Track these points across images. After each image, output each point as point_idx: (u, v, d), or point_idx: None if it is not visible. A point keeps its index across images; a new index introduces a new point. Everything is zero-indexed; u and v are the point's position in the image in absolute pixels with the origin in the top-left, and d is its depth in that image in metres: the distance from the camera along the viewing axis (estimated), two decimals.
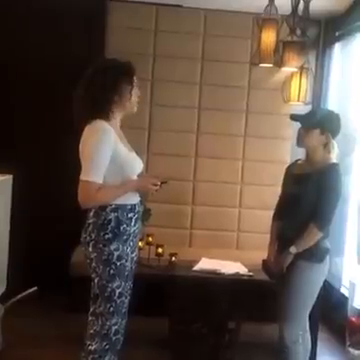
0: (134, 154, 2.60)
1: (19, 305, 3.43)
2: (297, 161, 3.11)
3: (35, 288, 3.48)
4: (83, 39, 4.33)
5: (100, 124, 2.46)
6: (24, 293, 3.44)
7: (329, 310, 3.85)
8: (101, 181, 2.43)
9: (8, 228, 3.02)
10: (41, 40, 4.34)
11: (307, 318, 2.97)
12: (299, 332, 2.92)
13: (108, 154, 2.43)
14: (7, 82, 4.36)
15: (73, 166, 2.58)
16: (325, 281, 3.00)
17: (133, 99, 2.57)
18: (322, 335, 3.77)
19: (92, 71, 2.53)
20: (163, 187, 2.61)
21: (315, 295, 2.93)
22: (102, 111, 2.47)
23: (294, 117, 3.05)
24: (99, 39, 4.36)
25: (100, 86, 2.47)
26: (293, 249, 2.85)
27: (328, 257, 2.93)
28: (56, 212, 4.25)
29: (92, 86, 2.48)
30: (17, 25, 4.33)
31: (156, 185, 2.56)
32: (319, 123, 2.91)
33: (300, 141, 2.97)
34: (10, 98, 4.37)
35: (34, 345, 3.47)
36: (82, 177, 2.43)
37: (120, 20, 4.39)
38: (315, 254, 2.87)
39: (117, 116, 2.56)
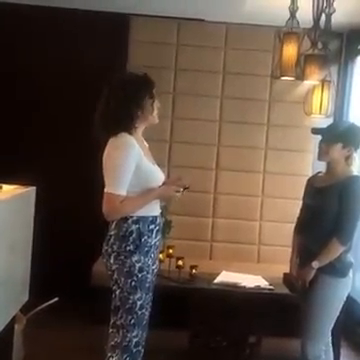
0: (156, 166, 2.61)
1: (40, 316, 3.45)
2: (318, 173, 3.09)
3: (56, 299, 3.50)
4: (106, 54, 4.39)
5: (124, 137, 2.48)
6: (45, 304, 3.47)
7: (352, 325, 3.79)
8: (125, 193, 2.45)
9: (31, 239, 3.06)
10: (64, 55, 4.41)
11: (330, 333, 2.93)
12: (322, 347, 2.89)
13: (132, 167, 2.45)
14: (30, 95, 4.44)
15: (95, 178, 2.61)
16: (348, 296, 2.96)
17: (155, 111, 2.59)
18: (345, 351, 3.71)
19: (110, 86, 2.55)
20: (185, 192, 2.58)
21: (338, 310, 2.89)
22: (125, 125, 2.49)
23: (316, 131, 3.04)
24: (121, 53, 4.42)
25: (121, 101, 2.48)
26: (315, 264, 2.82)
27: (351, 271, 2.89)
28: (78, 223, 4.29)
29: (113, 102, 2.50)
30: (41, 40, 4.41)
31: (178, 191, 2.55)
32: (341, 137, 2.89)
33: (321, 155, 2.95)
34: (33, 111, 4.45)
35: (55, 356, 3.49)
36: (107, 190, 2.45)
37: (142, 34, 4.45)
38: (338, 268, 2.83)
39: (139, 129, 2.58)
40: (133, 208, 2.49)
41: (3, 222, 2.55)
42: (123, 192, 2.44)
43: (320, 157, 2.98)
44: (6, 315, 2.78)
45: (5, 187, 2.78)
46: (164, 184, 2.58)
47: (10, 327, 2.94)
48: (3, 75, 4.40)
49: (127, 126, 2.50)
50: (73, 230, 4.32)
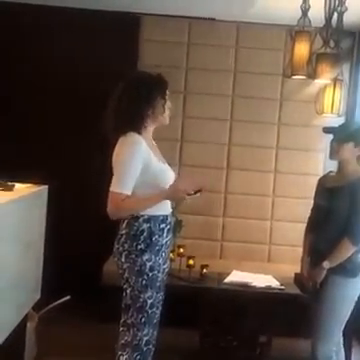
0: (166, 165, 2.61)
1: (52, 314, 3.47)
2: (329, 173, 3.07)
3: (68, 297, 3.52)
4: (117, 53, 4.40)
5: (132, 137, 2.49)
6: (57, 302, 3.49)
7: None
8: (129, 192, 2.46)
9: (44, 237, 3.09)
10: (76, 54, 4.42)
11: (341, 334, 2.93)
12: (332, 348, 2.88)
13: (139, 166, 2.46)
14: (41, 95, 4.46)
15: (106, 177, 2.62)
16: (359, 296, 2.94)
17: (166, 112, 2.59)
18: (356, 351, 3.69)
19: (124, 85, 2.56)
20: (198, 196, 2.47)
21: (349, 311, 2.88)
22: (135, 124, 2.50)
23: (327, 130, 3.03)
24: (132, 53, 4.43)
25: (134, 100, 2.49)
26: (326, 264, 2.81)
27: None
28: (89, 222, 4.30)
29: (125, 100, 2.50)
30: (52, 39, 4.43)
31: (189, 194, 2.49)
32: (352, 136, 2.88)
33: (333, 154, 2.94)
34: (44, 111, 4.47)
35: (67, 354, 3.51)
36: (111, 188, 2.46)
37: (153, 34, 4.45)
38: (349, 269, 2.82)
39: (150, 129, 2.58)
40: (137, 208, 2.49)
41: (17, 221, 2.58)
42: (127, 191, 2.45)
43: (331, 156, 2.97)
44: (19, 313, 2.81)
45: (18, 186, 2.81)
46: (174, 184, 2.53)
47: (23, 325, 2.97)
48: (15, 75, 4.43)
49: (137, 125, 2.50)
50: (84, 229, 4.34)
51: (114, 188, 2.45)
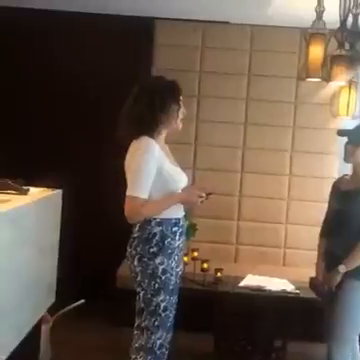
0: (179, 169, 2.62)
1: (67, 317, 3.49)
2: (344, 176, 3.04)
3: (83, 301, 3.53)
4: (130, 56, 4.42)
5: (146, 141, 2.50)
6: (72, 305, 3.50)
7: None
8: (147, 196, 2.47)
9: (58, 241, 3.10)
10: (90, 58, 4.45)
11: (357, 339, 2.90)
12: (348, 353, 2.84)
13: (153, 170, 2.47)
14: (55, 99, 4.50)
15: (120, 181, 2.62)
16: None
17: (180, 118, 2.59)
18: None
19: (139, 89, 2.57)
20: (209, 199, 2.58)
21: None
22: (148, 129, 2.51)
23: (342, 132, 3.00)
24: (146, 56, 4.44)
25: (147, 107, 2.50)
26: (342, 268, 2.78)
27: None
28: (104, 226, 4.32)
29: (139, 106, 2.51)
30: (68, 44, 4.47)
31: (201, 197, 2.55)
32: None
33: (348, 157, 2.92)
34: (58, 114, 4.51)
35: (81, 357, 3.52)
36: (128, 192, 2.47)
37: (167, 37, 4.46)
38: None
39: (163, 134, 2.59)
40: (154, 211, 2.50)
41: (31, 225, 2.59)
42: (144, 195, 2.46)
43: (346, 159, 2.94)
44: (33, 316, 2.82)
45: (32, 190, 2.83)
46: (187, 189, 2.58)
47: (37, 328, 2.98)
48: (30, 79, 4.47)
49: (150, 130, 2.51)
50: (99, 232, 4.36)
51: (131, 192, 2.46)
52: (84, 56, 4.45)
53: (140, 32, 4.46)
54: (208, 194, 2.57)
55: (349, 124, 3.56)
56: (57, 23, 4.43)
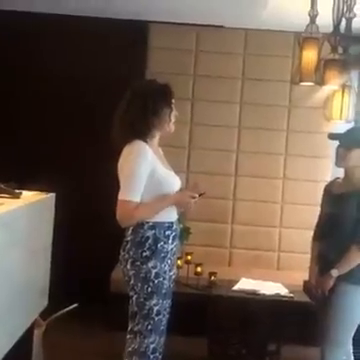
0: (172, 172, 2.62)
1: (60, 321, 3.47)
2: (336, 180, 3.04)
3: (76, 305, 3.51)
4: (124, 60, 4.42)
5: (138, 144, 2.50)
6: (65, 310, 3.48)
7: None
8: (139, 200, 2.46)
9: (51, 245, 3.09)
10: (84, 62, 4.45)
11: (351, 342, 2.89)
12: (342, 356, 2.85)
13: (145, 173, 2.47)
14: (49, 102, 4.49)
15: (113, 184, 2.62)
16: None
17: (172, 121, 2.60)
18: None
19: (131, 93, 2.57)
20: (202, 197, 2.58)
21: (359, 318, 2.85)
22: (141, 132, 2.51)
23: (333, 136, 3.01)
24: (141, 60, 4.45)
25: (140, 109, 2.50)
26: (335, 272, 2.78)
27: None
28: (97, 229, 4.31)
29: (132, 109, 2.52)
30: (62, 47, 4.46)
31: (194, 197, 2.55)
32: (358, 142, 2.85)
33: (339, 160, 2.91)
34: (52, 118, 4.49)
35: None
36: (120, 196, 2.47)
37: (161, 41, 4.47)
38: (358, 276, 2.79)
39: (155, 137, 2.59)
40: (147, 214, 2.50)
41: (24, 228, 2.58)
42: (136, 198, 2.45)
43: (338, 163, 2.94)
44: (26, 320, 2.80)
45: (25, 193, 2.81)
46: (180, 191, 2.59)
47: (30, 332, 2.96)
48: (23, 82, 4.46)
49: (143, 133, 2.52)
50: (92, 236, 4.34)
51: (124, 196, 2.45)
52: (78, 59, 4.45)
53: (134, 35, 4.47)
54: (200, 194, 2.57)
55: (342, 128, 3.56)
56: (51, 26, 4.42)
